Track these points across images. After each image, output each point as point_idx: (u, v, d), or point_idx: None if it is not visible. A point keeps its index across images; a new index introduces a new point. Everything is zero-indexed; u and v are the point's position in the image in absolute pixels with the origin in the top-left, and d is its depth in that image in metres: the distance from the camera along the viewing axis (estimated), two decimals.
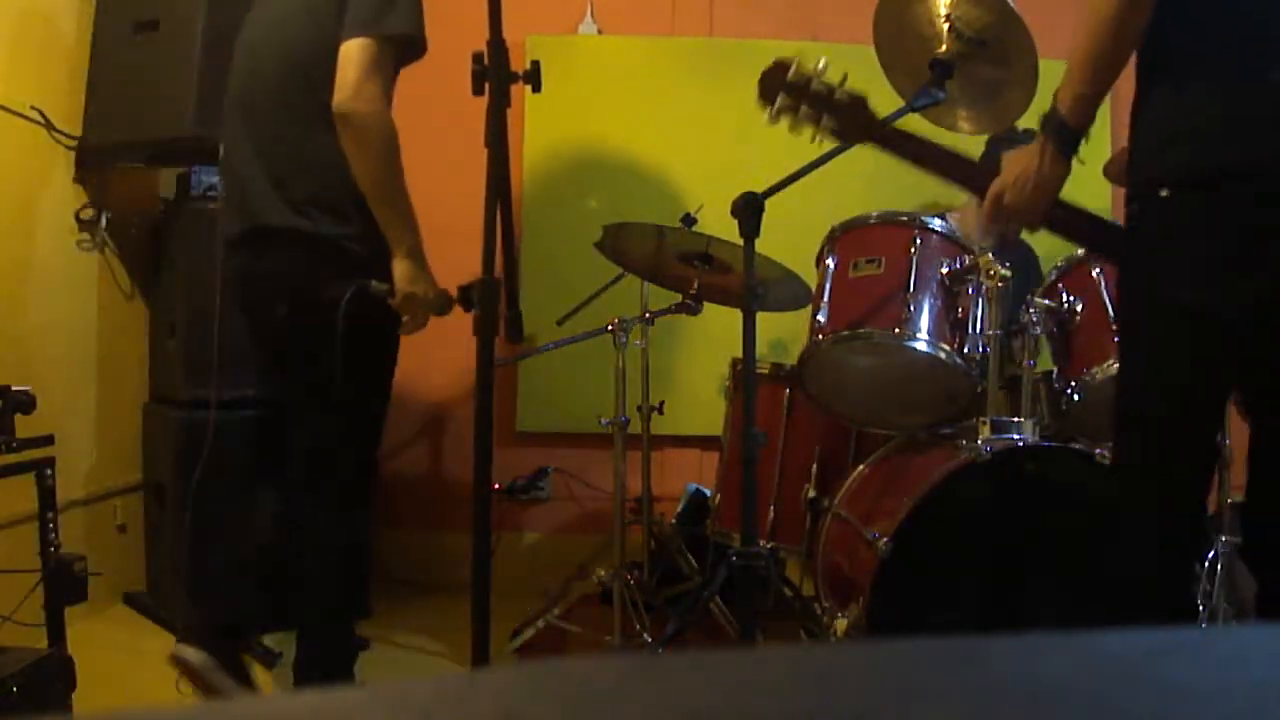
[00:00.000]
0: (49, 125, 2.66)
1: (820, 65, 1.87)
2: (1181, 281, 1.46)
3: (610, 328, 2.68)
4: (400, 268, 1.93)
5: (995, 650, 0.37)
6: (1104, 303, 2.28)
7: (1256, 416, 1.60)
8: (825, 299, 2.37)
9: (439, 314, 1.97)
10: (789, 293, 2.47)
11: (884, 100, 1.97)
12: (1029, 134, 1.97)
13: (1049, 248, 2.70)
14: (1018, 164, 1.61)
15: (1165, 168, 1.48)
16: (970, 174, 1.81)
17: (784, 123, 1.92)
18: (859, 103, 1.85)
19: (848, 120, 1.84)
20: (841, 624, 2.18)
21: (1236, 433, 1.82)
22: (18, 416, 1.95)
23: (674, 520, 3.10)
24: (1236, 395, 1.71)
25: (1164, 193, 1.46)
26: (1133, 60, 1.54)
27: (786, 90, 1.87)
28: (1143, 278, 1.54)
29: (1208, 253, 1.44)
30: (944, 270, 2.30)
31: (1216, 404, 1.63)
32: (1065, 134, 1.55)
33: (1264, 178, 1.42)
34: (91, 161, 2.76)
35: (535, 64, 1.60)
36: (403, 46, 1.90)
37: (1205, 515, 1.61)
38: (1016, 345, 2.43)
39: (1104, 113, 1.61)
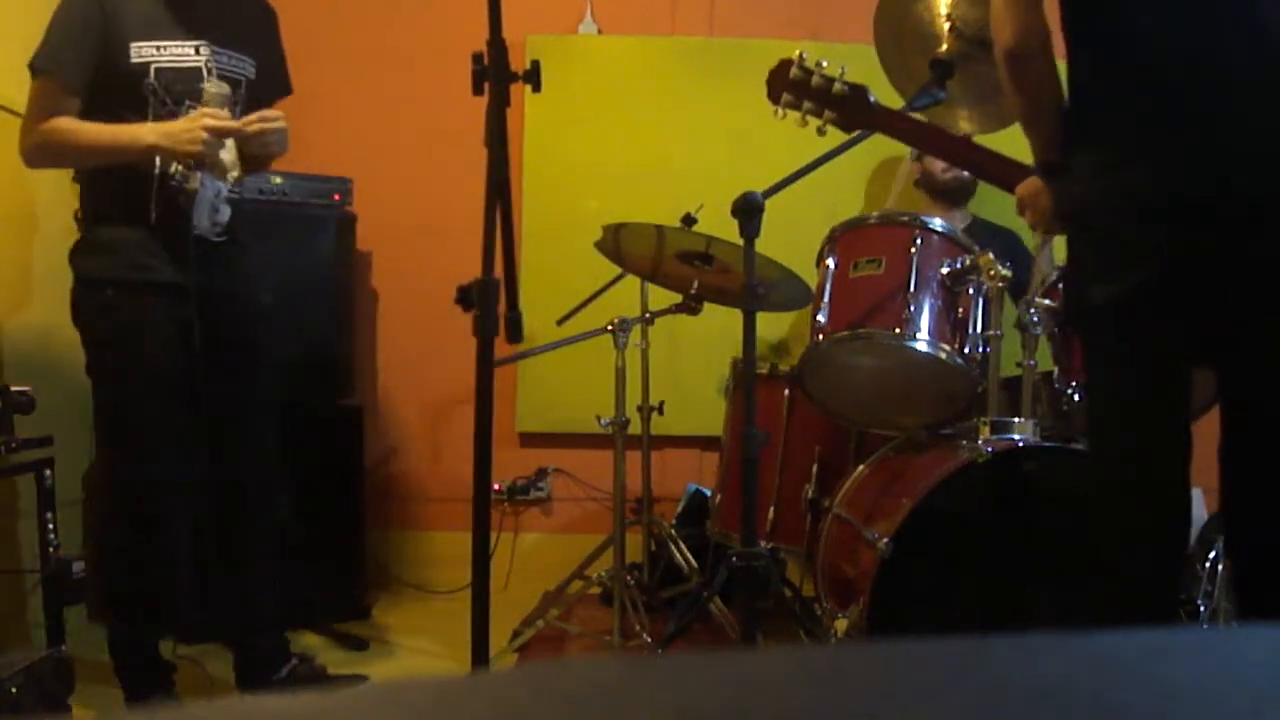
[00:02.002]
0: None
1: (821, 63, 1.96)
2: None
3: (610, 328, 2.68)
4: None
5: (995, 650, 0.37)
6: None
7: (1229, 415, 1.54)
8: (825, 299, 2.37)
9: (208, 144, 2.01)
10: (789, 293, 2.47)
11: (884, 100, 1.98)
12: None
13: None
14: (1029, 185, 1.71)
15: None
16: (967, 154, 1.85)
17: (783, 122, 1.96)
18: (858, 93, 1.92)
19: (846, 112, 1.91)
20: (841, 624, 2.18)
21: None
22: (17, 417, 1.95)
23: (674, 521, 3.10)
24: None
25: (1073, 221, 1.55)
26: None
27: (789, 88, 1.93)
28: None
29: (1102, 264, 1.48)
30: (944, 270, 2.30)
31: (1170, 421, 1.54)
32: (1041, 168, 1.68)
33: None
34: None
35: (535, 64, 1.60)
36: (48, 80, 2.08)
37: (1184, 522, 1.56)
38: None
39: None
